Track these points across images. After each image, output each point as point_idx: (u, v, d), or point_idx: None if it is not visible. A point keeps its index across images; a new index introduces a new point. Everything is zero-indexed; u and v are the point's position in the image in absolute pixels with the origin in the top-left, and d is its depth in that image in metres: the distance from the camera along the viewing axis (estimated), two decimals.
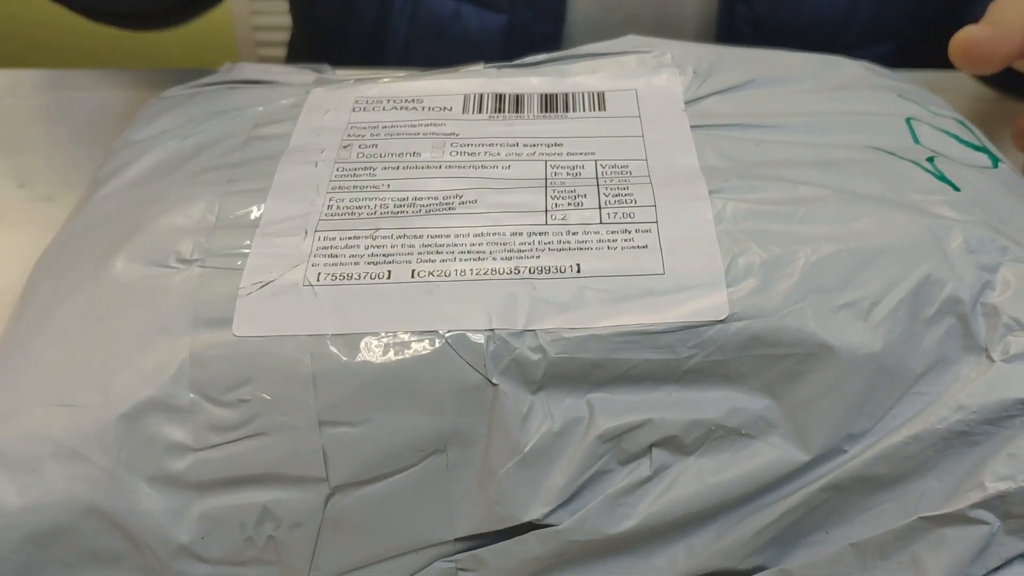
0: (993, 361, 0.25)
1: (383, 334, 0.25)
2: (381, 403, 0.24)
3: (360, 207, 0.28)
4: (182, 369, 0.25)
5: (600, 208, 0.28)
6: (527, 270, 0.26)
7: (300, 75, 0.35)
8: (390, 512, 0.25)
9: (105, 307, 0.26)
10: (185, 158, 0.30)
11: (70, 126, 0.47)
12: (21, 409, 0.25)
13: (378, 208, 0.28)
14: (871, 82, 0.35)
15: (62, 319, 0.27)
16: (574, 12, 0.49)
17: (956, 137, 0.32)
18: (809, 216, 0.27)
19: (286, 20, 0.60)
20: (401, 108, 0.32)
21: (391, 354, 0.25)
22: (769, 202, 0.28)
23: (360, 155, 0.30)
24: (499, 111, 0.32)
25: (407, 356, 0.25)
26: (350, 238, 0.27)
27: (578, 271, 0.26)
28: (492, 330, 0.25)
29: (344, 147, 0.30)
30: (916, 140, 0.31)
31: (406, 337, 0.25)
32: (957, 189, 0.29)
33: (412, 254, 0.26)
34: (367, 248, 0.26)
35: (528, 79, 0.33)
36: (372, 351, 0.25)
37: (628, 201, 0.28)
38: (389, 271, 0.26)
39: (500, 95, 0.32)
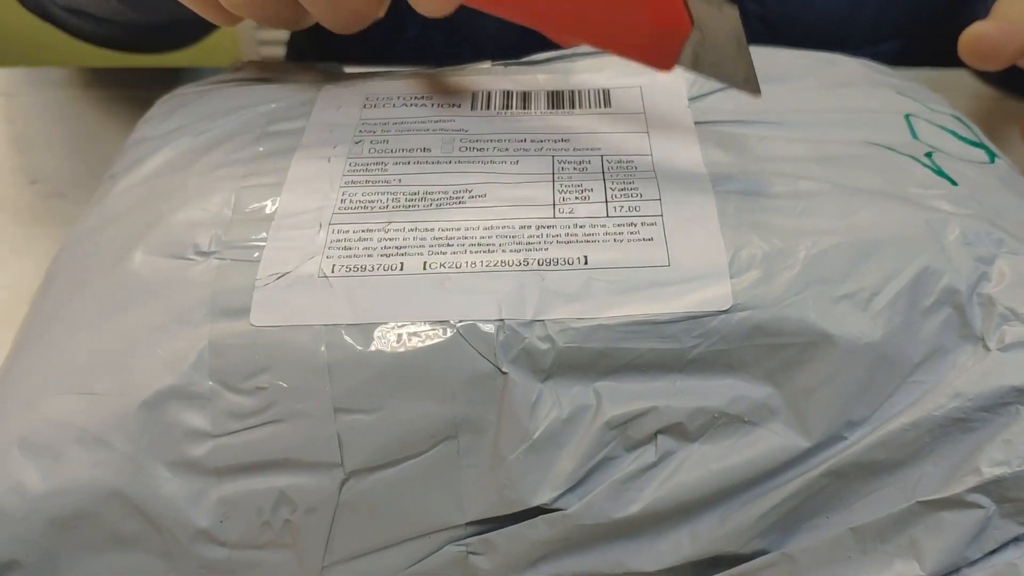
0: (989, 350, 0.26)
1: (396, 324, 0.25)
2: (394, 391, 0.25)
3: (373, 201, 0.28)
4: (201, 358, 0.25)
5: (606, 202, 0.28)
6: (536, 262, 0.27)
7: (310, 73, 0.36)
8: (403, 497, 0.26)
9: (125, 298, 0.27)
10: (200, 153, 0.31)
11: (80, 123, 0.47)
12: (44, 397, 0.26)
13: (390, 202, 0.28)
14: (870, 79, 0.35)
15: (83, 310, 0.27)
16: None
17: (954, 133, 0.33)
18: (810, 210, 0.28)
19: None
20: (411, 104, 0.32)
21: (404, 343, 0.25)
22: (771, 196, 0.28)
23: (372, 150, 0.30)
24: (507, 107, 0.32)
25: (420, 345, 0.25)
26: (363, 231, 0.27)
27: (585, 263, 0.27)
28: (502, 320, 0.25)
29: (356, 143, 0.31)
30: (914, 136, 0.32)
31: (418, 327, 0.25)
32: (954, 184, 0.30)
33: (424, 247, 0.27)
34: (380, 241, 0.27)
35: (535, 76, 0.34)
36: (386, 340, 0.25)
37: (634, 195, 0.28)
38: (402, 263, 0.27)
39: (508, 92, 0.33)
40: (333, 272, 0.26)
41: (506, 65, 0.35)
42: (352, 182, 0.29)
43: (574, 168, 0.29)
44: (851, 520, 0.26)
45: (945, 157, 0.31)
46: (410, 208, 0.28)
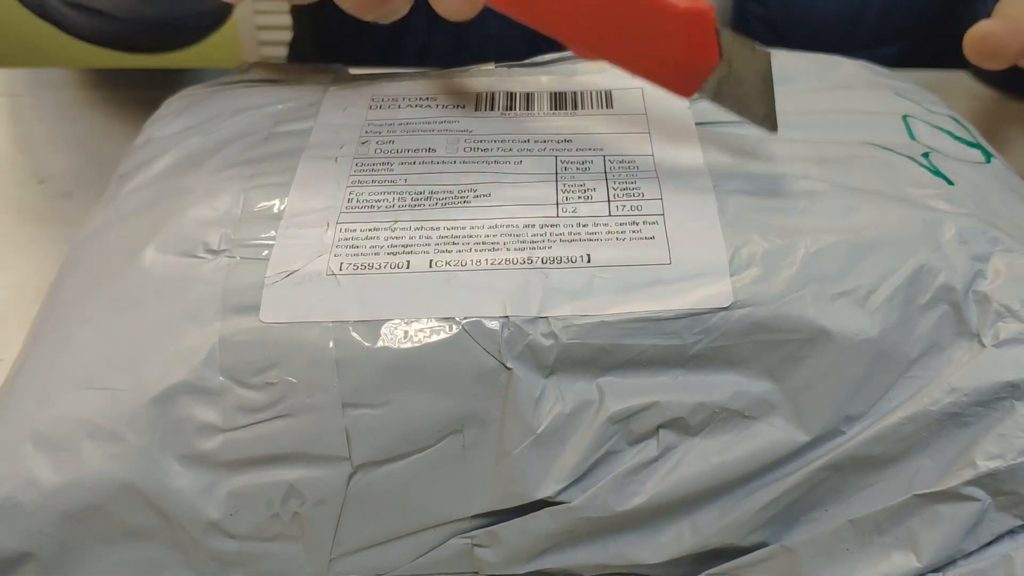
0: (984, 346, 0.26)
1: (403, 321, 0.26)
2: (401, 386, 0.26)
3: (379, 200, 0.29)
4: (212, 354, 0.26)
5: (609, 201, 0.29)
6: (540, 260, 0.27)
7: (316, 74, 0.36)
8: (409, 490, 0.26)
9: (137, 295, 0.27)
10: (209, 154, 0.31)
11: (87, 124, 0.48)
12: (57, 392, 0.26)
13: (396, 201, 0.29)
14: (869, 81, 0.36)
15: (95, 307, 0.28)
16: None
17: (950, 133, 0.33)
18: (809, 209, 0.28)
19: (288, 20, 0.60)
20: (416, 106, 0.33)
21: (411, 340, 0.26)
22: (771, 196, 0.29)
23: (378, 151, 0.31)
24: (510, 108, 0.33)
25: (426, 342, 0.26)
26: (370, 230, 0.28)
27: (588, 261, 0.27)
28: (507, 317, 0.26)
29: (362, 143, 0.31)
30: (912, 136, 0.32)
31: (425, 324, 0.26)
32: (951, 183, 0.30)
33: (430, 245, 0.27)
34: (387, 239, 0.28)
35: (538, 78, 0.34)
36: (393, 337, 0.26)
37: (636, 194, 0.29)
38: (408, 261, 0.27)
39: (511, 93, 0.33)
40: (341, 270, 0.27)
41: (510, 67, 0.35)
42: (359, 182, 0.30)
43: (577, 168, 0.30)
44: (849, 513, 0.26)
45: (942, 157, 0.32)
46: (416, 207, 0.29)
